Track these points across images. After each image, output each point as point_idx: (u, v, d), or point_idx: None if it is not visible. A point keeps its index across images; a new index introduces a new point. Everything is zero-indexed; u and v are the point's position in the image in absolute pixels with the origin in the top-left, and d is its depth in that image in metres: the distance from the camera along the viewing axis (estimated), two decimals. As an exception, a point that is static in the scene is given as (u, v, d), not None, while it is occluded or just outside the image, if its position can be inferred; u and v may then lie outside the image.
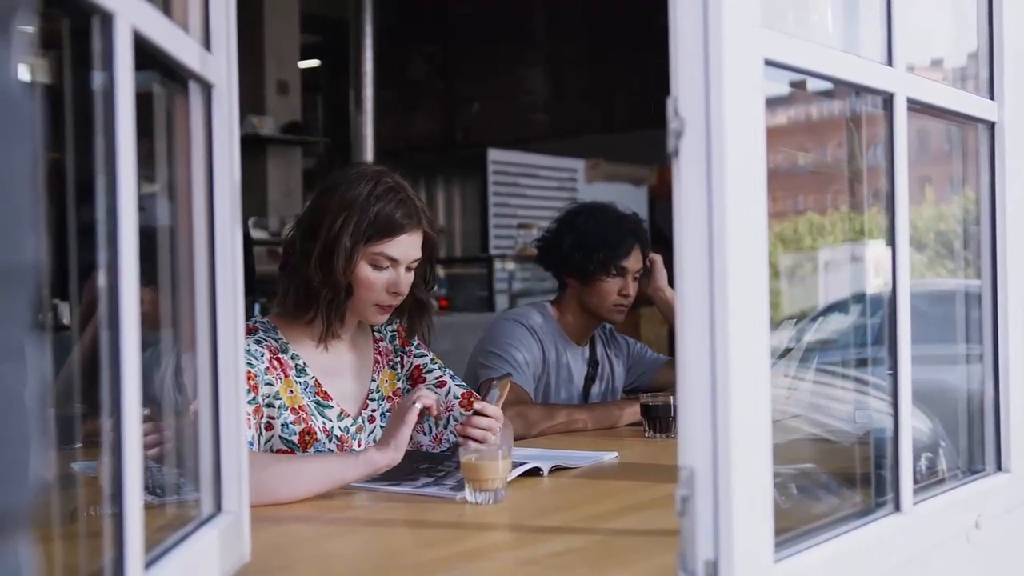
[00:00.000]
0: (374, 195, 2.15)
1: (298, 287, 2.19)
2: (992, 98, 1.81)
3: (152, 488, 1.31)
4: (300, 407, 2.18)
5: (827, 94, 1.74)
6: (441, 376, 2.39)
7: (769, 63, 1.24)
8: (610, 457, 2.36)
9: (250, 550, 1.43)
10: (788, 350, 2.28)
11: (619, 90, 9.26)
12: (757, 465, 1.20)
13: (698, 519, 1.17)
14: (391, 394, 2.36)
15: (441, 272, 7.77)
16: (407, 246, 2.20)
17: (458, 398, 2.35)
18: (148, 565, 1.08)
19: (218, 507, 1.37)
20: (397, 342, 2.40)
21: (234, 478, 1.39)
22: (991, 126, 1.81)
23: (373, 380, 2.34)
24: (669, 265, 3.16)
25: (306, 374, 2.22)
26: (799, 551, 1.31)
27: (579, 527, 1.73)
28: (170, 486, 1.45)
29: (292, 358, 2.22)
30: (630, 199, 7.32)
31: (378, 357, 2.37)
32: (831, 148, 2.01)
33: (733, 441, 1.15)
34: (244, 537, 1.42)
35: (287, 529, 1.77)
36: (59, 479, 1.36)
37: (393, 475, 2.02)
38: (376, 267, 2.18)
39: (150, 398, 1.16)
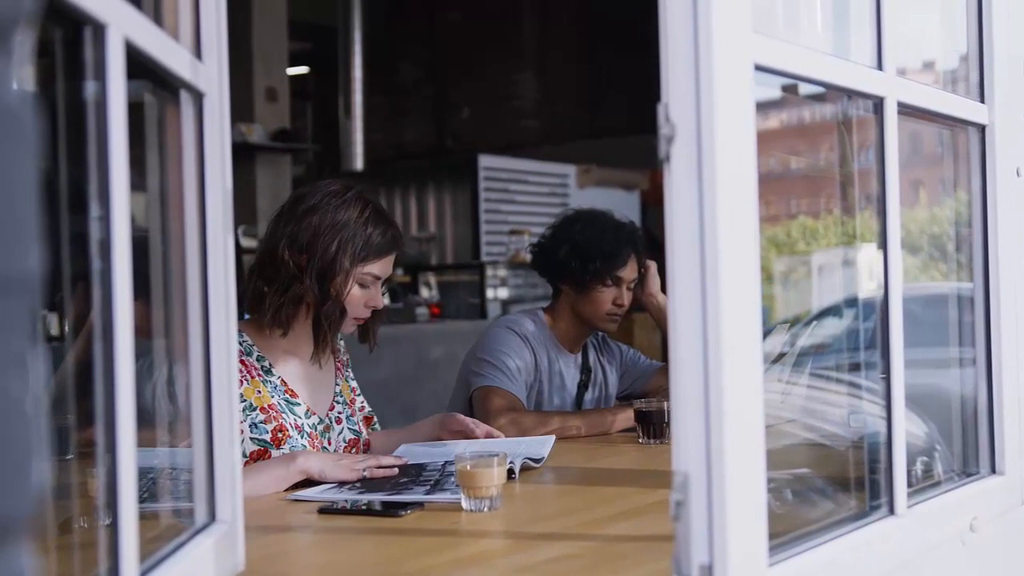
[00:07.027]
0: (363, 219, 2.29)
1: (291, 302, 2.27)
2: (983, 101, 1.81)
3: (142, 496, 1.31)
4: (270, 406, 2.26)
5: (818, 98, 1.74)
6: (363, 405, 2.54)
7: (759, 68, 1.25)
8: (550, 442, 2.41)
9: (244, 559, 1.43)
10: (782, 355, 2.28)
11: (610, 95, 9.27)
12: (751, 469, 1.20)
13: (692, 523, 1.17)
14: (349, 401, 2.48)
15: (432, 279, 7.77)
16: (390, 266, 2.36)
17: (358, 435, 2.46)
18: (143, 575, 1.07)
19: (212, 516, 1.37)
20: (346, 357, 2.53)
21: (228, 487, 1.39)
22: (982, 129, 1.82)
23: (336, 385, 2.46)
24: (662, 271, 3.17)
25: (273, 375, 2.30)
26: (794, 555, 1.31)
27: (575, 533, 1.72)
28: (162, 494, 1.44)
29: (258, 360, 2.30)
30: (622, 204, 7.33)
31: (339, 365, 2.49)
32: (823, 152, 2.01)
33: (727, 445, 1.16)
34: (238, 546, 1.42)
35: (281, 538, 1.76)
36: (54, 490, 1.35)
37: (391, 486, 2.01)
38: (362, 285, 2.31)
39: (143, 408, 1.16)
